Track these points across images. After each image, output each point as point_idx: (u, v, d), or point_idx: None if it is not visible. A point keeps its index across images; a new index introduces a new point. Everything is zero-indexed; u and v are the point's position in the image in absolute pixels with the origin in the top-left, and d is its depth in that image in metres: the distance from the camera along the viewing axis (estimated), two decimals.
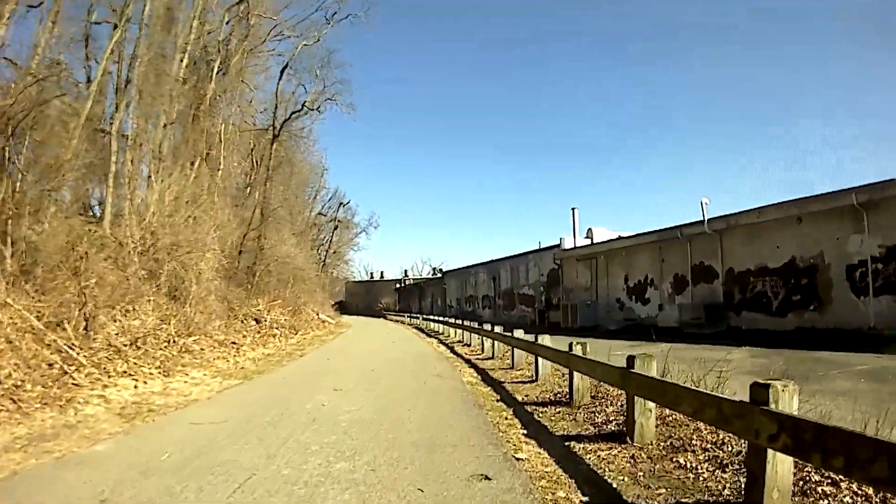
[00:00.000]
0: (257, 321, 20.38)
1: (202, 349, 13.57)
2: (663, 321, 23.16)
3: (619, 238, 27.05)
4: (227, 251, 24.90)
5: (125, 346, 10.67)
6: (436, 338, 24.03)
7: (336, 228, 62.36)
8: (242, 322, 18.92)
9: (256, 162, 32.08)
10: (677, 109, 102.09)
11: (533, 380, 10.76)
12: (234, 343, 15.47)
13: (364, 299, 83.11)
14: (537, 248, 38.32)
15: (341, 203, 62.75)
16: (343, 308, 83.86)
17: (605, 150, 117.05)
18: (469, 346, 18.99)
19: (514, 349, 12.78)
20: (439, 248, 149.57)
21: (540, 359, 10.62)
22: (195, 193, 20.03)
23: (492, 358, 15.03)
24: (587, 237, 31.37)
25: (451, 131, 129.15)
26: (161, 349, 11.73)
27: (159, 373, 10.42)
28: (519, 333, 12.62)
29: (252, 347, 16.10)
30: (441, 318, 27.02)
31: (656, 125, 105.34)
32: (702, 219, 21.41)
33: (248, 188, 29.60)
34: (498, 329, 15.35)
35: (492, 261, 45.57)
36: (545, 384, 10.13)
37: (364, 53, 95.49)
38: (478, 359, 15.36)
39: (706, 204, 21.34)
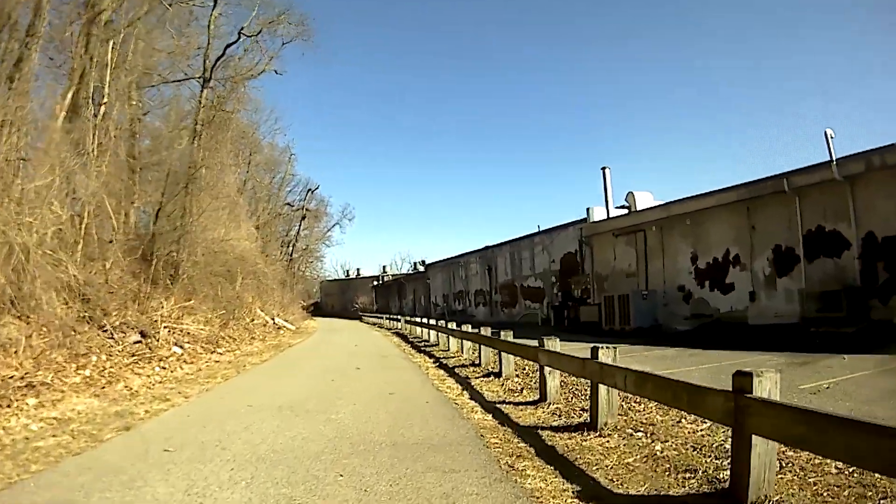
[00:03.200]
0: (143, 335, 12.73)
1: None
2: (757, 316, 16.02)
3: (681, 200, 19.47)
4: (121, 227, 17.30)
5: None
6: (427, 353, 15.96)
7: (304, 218, 54.35)
8: (102, 337, 11.27)
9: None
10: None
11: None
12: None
13: (340, 300, 75.35)
14: (545, 228, 30.92)
15: (310, 190, 54.87)
16: (318, 310, 76.21)
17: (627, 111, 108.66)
18: (498, 375, 10.71)
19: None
20: (422, 244, 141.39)
21: None
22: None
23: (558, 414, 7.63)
24: (625, 206, 23.86)
25: (432, 107, 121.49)
26: None
27: None
28: (606, 357, 5.65)
29: (57, 400, 8.48)
30: (432, 322, 19.45)
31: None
32: (824, 160, 14.28)
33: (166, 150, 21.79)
34: (553, 345, 8.02)
35: (486, 248, 38.09)
36: None
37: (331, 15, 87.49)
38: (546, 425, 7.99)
39: (832, 138, 14.16)
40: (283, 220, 53.68)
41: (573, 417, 6.84)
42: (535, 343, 8.45)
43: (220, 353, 15.30)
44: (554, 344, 7.97)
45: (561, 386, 8.23)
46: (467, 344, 14.26)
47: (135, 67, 16.54)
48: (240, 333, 20.21)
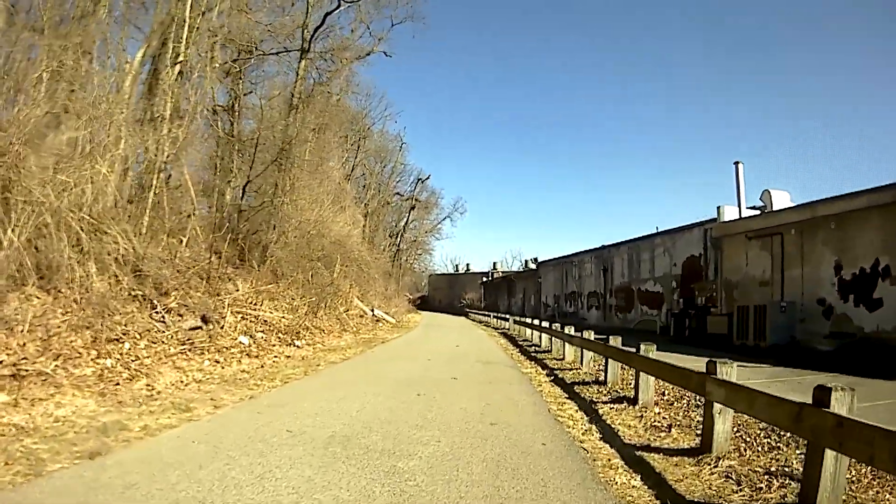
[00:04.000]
0: (204, 321, 11.10)
1: None
2: None
3: (826, 200, 15.74)
4: (209, 204, 16.26)
5: None
6: (538, 362, 13.18)
7: (413, 208, 53.11)
8: (148, 320, 9.64)
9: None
10: None
11: None
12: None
13: (447, 294, 74.05)
14: (666, 228, 27.01)
15: (420, 179, 53.50)
16: (425, 303, 75.52)
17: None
18: (632, 402, 7.51)
19: None
20: (534, 243, 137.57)
21: None
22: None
23: None
24: (758, 207, 20.22)
25: (551, 99, 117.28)
26: None
27: None
28: None
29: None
30: (544, 325, 16.51)
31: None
32: None
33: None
34: (728, 373, 5.09)
35: (602, 247, 34.35)
36: None
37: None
38: None
39: None
40: (392, 210, 52.92)
41: (760, 487, 4.35)
42: (696, 366, 5.59)
43: (298, 346, 13.53)
44: (729, 372, 5.09)
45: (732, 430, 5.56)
46: (588, 354, 11.38)
47: (220, 29, 15.11)
48: (330, 324, 18.58)
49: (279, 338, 13.32)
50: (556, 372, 10.86)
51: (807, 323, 15.67)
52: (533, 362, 12.99)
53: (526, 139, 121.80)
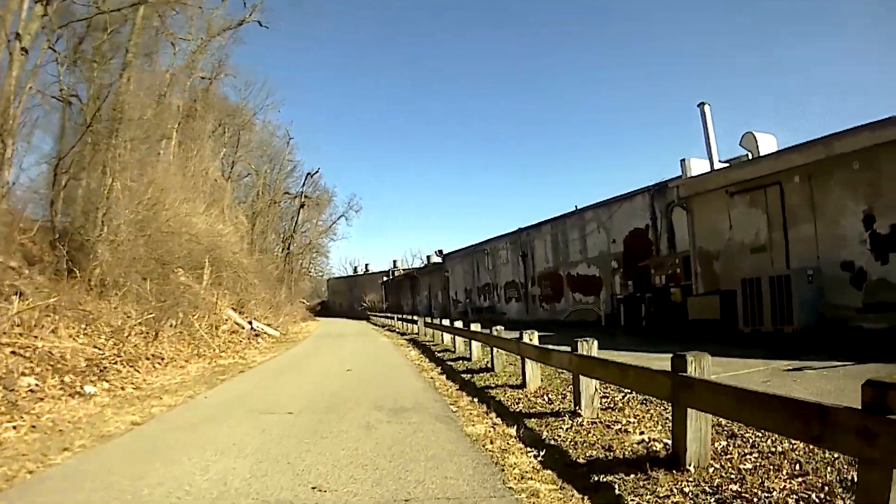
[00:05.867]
0: None
1: None
2: None
3: (845, 132, 12.17)
4: None
5: None
6: (480, 393, 8.05)
7: (303, 206, 47.72)
8: None
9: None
10: None
11: None
12: None
13: (347, 298, 69.00)
14: (598, 201, 24.02)
15: (308, 174, 48.15)
16: (326, 309, 69.83)
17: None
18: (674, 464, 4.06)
19: None
20: (438, 239, 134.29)
21: None
22: None
23: None
24: (743, 153, 16.32)
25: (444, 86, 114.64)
26: None
27: None
28: None
29: None
30: (475, 329, 11.69)
31: None
32: None
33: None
34: None
35: (519, 230, 31.05)
36: None
37: None
38: None
39: None
40: (282, 212, 47.33)
41: None
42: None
43: (88, 394, 8.58)
44: None
45: None
46: (547, 370, 7.60)
47: None
48: (177, 348, 13.63)
49: (64, 381, 8.43)
50: (522, 414, 6.55)
51: (828, 295, 12.34)
52: (477, 399, 7.59)
53: (420, 127, 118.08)
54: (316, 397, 8.31)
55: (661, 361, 5.07)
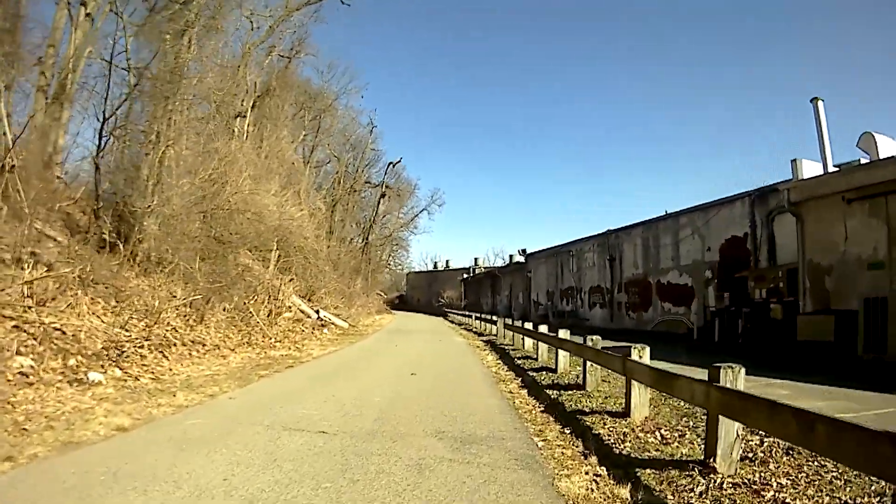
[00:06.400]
0: None
1: None
2: None
3: None
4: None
5: None
6: (581, 429, 5.55)
7: (384, 195, 46.75)
8: None
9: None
10: None
11: None
12: None
13: (426, 293, 67.94)
14: (695, 205, 21.15)
15: (390, 163, 47.08)
16: (403, 303, 69.16)
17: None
18: None
19: None
20: (523, 239, 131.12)
21: None
22: None
23: None
24: (858, 157, 13.89)
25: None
26: None
27: None
28: None
29: None
30: (563, 336, 9.62)
31: None
32: None
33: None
34: None
35: (607, 232, 28.27)
36: None
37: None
38: None
39: None
40: (362, 202, 46.65)
41: None
42: None
43: (93, 383, 7.22)
44: None
45: None
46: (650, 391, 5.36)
47: None
48: (226, 333, 12.36)
49: (67, 364, 7.09)
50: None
51: None
52: (569, 429, 5.53)
53: (509, 125, 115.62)
54: (364, 411, 6.38)
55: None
